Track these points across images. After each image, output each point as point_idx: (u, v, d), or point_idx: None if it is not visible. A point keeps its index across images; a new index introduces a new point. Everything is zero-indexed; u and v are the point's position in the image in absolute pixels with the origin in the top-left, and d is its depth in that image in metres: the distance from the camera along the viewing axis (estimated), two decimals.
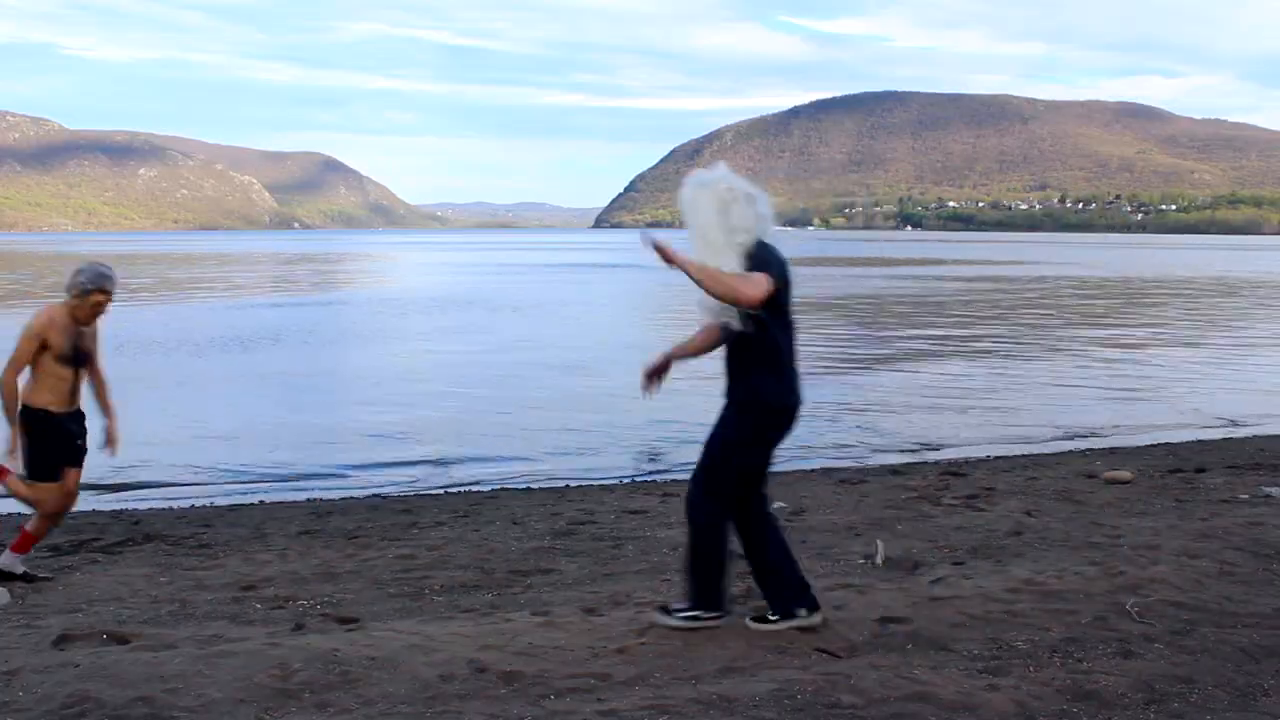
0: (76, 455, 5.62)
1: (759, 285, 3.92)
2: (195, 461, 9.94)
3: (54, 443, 5.47)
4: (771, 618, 4.21)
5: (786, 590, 4.23)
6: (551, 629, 4.27)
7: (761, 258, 4.00)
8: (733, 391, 4.15)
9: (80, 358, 5.48)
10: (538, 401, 13.44)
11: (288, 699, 3.56)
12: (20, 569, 5.56)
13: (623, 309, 29.41)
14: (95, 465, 9.60)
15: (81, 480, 5.79)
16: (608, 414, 12.41)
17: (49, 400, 5.41)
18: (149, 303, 31.76)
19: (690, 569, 4.25)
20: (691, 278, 3.91)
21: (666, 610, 4.27)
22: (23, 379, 5.41)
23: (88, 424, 5.68)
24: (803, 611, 4.20)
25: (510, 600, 4.93)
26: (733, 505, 4.21)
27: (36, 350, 5.34)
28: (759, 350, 4.07)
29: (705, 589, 4.21)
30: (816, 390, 14.29)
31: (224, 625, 4.54)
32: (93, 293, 5.39)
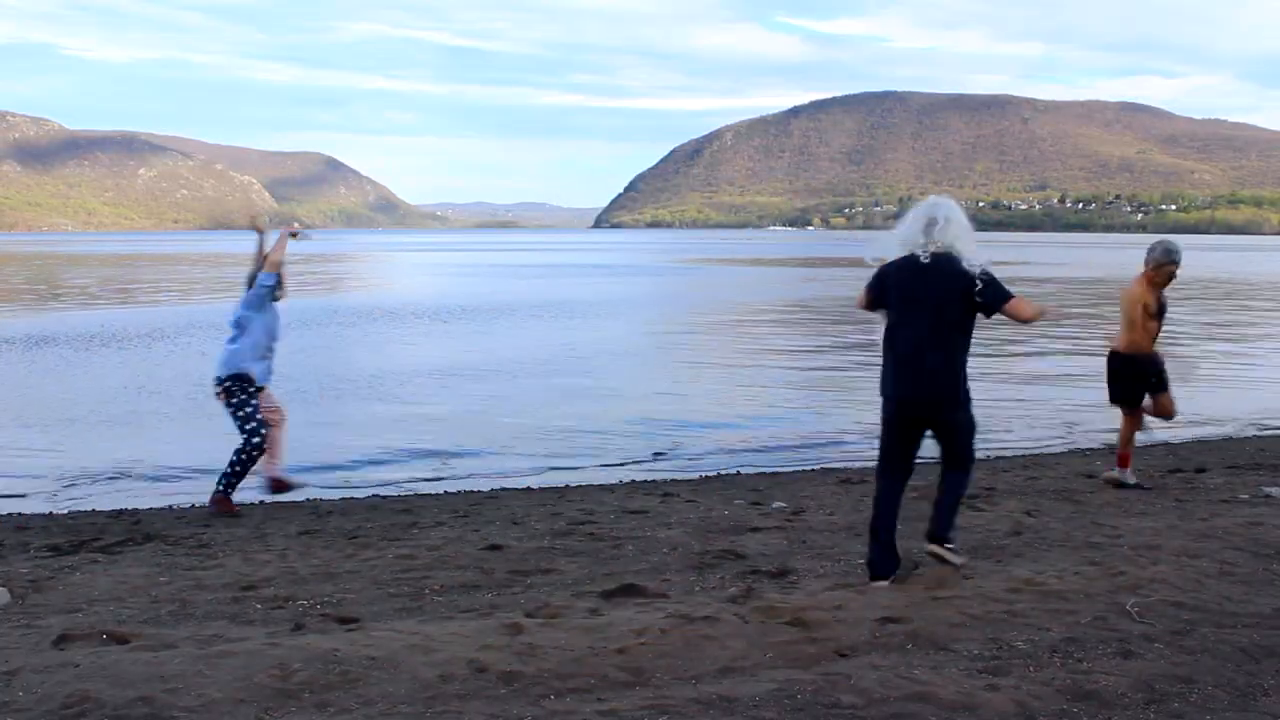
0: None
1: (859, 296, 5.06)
2: (195, 461, 9.93)
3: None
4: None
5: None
6: (551, 629, 4.27)
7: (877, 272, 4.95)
8: None
9: (1161, 313, 7.41)
10: (537, 402, 13.44)
11: (288, 699, 3.56)
12: (1132, 480, 7.63)
13: (623, 311, 29.41)
14: (94, 465, 9.66)
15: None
16: (607, 415, 12.41)
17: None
18: (150, 305, 31.78)
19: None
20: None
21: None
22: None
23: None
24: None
25: (510, 600, 4.93)
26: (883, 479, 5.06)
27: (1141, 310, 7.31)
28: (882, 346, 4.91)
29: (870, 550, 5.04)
30: (816, 389, 14.30)
31: (224, 625, 4.55)
32: (1165, 265, 7.34)
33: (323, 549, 6.14)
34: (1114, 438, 11.23)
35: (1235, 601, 4.62)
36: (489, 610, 4.70)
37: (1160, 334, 7.49)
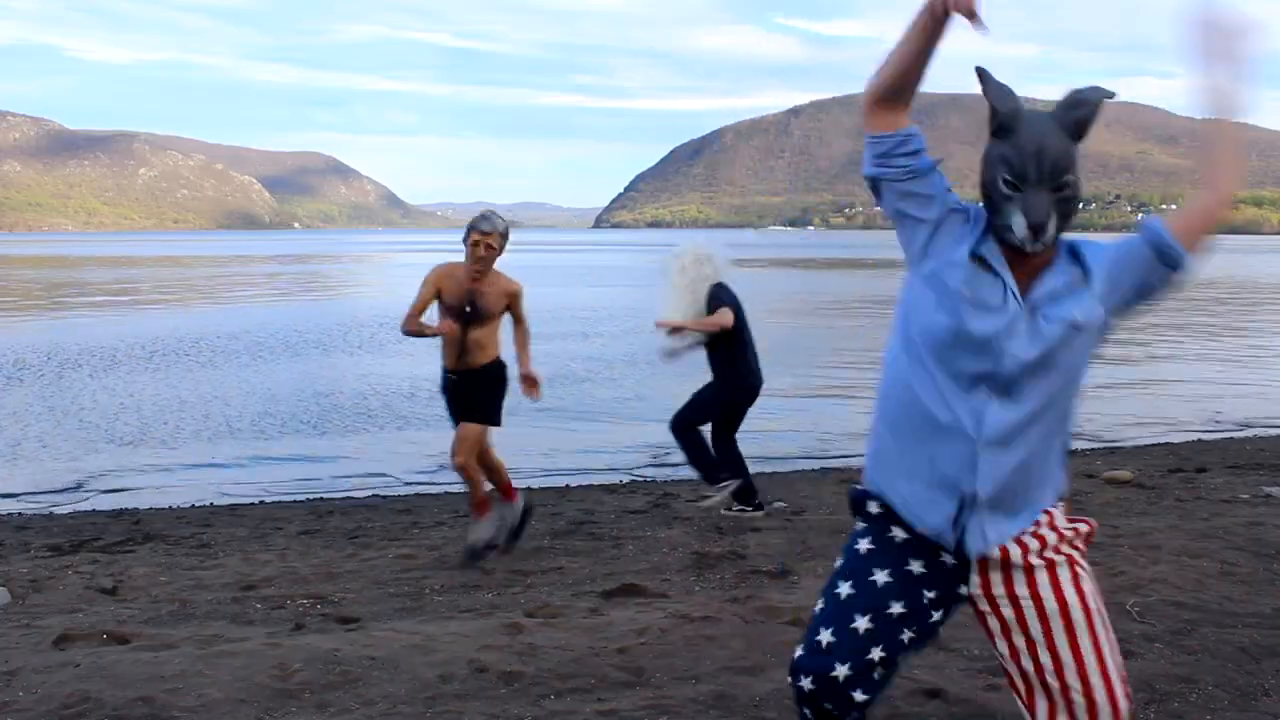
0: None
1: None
2: (195, 461, 9.94)
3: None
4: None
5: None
6: (551, 629, 4.27)
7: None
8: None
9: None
10: (538, 402, 13.43)
11: (288, 699, 3.56)
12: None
13: (627, 315, 29.42)
14: (95, 465, 9.66)
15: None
16: (608, 415, 12.42)
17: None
18: (157, 308, 31.80)
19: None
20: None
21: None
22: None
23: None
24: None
25: (510, 600, 4.94)
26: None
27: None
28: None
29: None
30: (819, 390, 14.29)
31: (224, 625, 4.55)
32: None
33: (323, 549, 6.15)
34: (1114, 437, 11.27)
35: (1236, 601, 4.62)
36: (489, 610, 4.70)
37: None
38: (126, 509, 7.94)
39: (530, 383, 5.70)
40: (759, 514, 6.62)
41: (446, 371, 5.69)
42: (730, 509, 6.68)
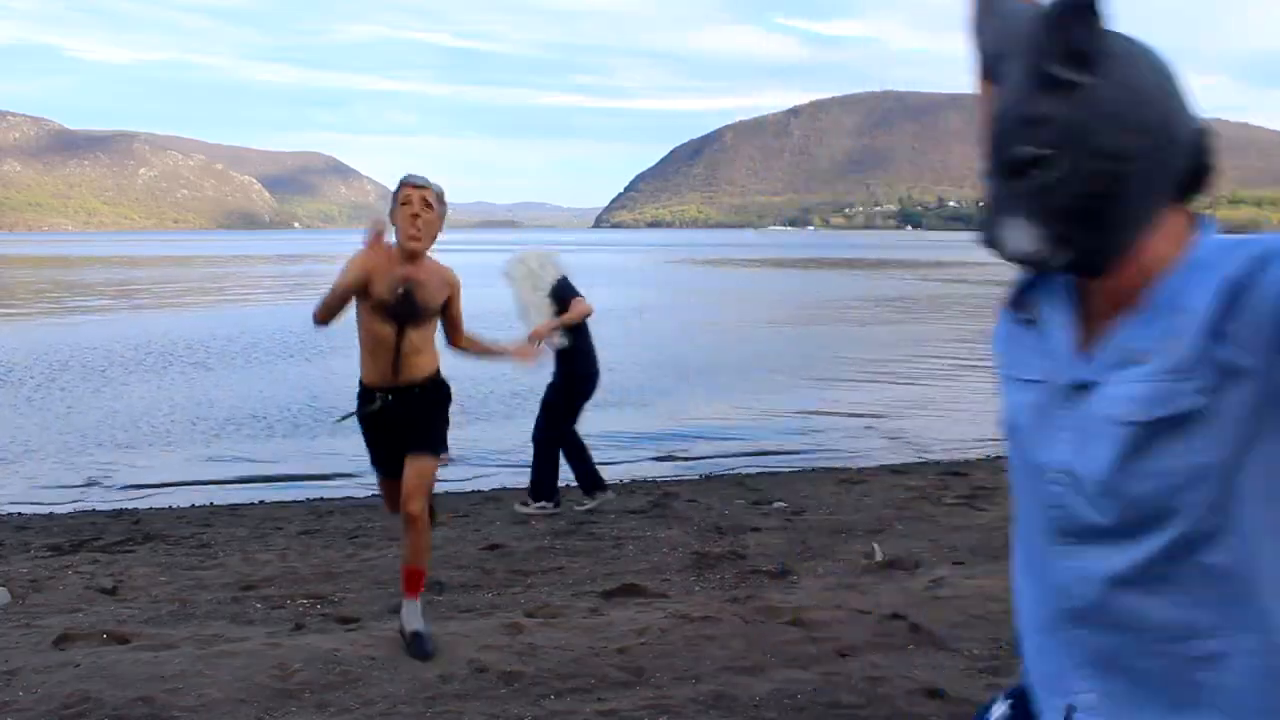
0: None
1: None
2: (195, 461, 9.94)
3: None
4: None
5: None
6: (551, 629, 4.27)
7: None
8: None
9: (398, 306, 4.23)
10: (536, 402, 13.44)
11: (288, 699, 3.56)
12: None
13: (625, 316, 29.42)
14: (95, 465, 9.66)
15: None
16: (609, 415, 12.41)
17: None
18: (156, 309, 31.80)
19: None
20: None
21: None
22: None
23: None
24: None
25: (510, 600, 4.93)
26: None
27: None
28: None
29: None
30: (818, 391, 14.30)
31: (224, 625, 4.55)
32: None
33: (323, 549, 6.15)
34: None
35: None
36: (489, 610, 4.70)
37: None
38: (126, 509, 7.93)
39: (528, 347, 4.85)
40: (557, 509, 6.94)
41: (372, 391, 4.45)
42: (527, 505, 6.97)
